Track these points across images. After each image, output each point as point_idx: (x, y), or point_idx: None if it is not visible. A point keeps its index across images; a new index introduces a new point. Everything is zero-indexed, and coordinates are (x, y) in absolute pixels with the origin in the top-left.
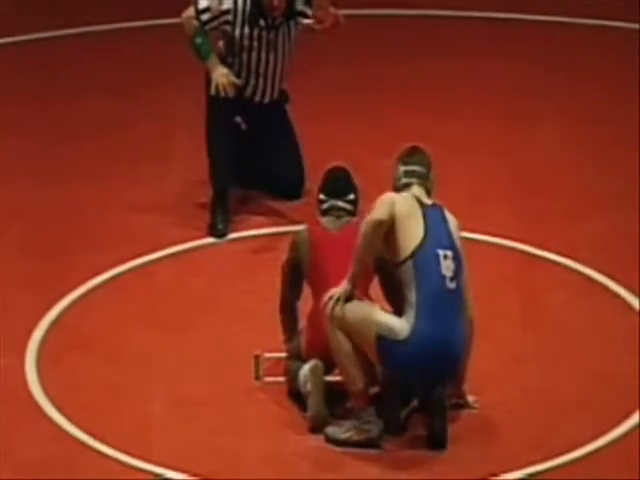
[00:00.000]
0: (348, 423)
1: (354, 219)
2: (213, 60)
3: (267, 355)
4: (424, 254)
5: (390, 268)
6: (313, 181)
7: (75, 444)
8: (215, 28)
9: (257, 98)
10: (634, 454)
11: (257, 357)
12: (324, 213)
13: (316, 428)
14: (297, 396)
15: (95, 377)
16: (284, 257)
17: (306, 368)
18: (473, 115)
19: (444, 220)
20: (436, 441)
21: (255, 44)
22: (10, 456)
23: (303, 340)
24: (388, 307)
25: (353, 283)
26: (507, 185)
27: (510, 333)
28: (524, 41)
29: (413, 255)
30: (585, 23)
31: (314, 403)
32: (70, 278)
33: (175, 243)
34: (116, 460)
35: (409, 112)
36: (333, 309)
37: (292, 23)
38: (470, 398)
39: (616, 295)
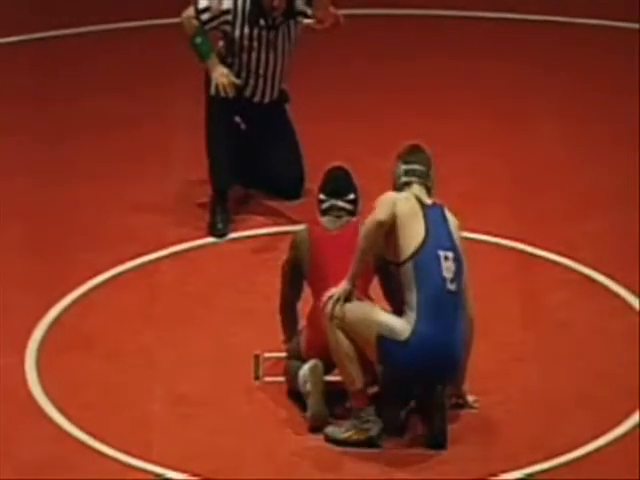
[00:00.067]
0: (347, 423)
1: (354, 219)
2: (213, 60)
3: (267, 355)
4: (425, 255)
5: (390, 268)
6: (313, 181)
7: (75, 444)
8: (215, 28)
9: (257, 98)
10: (634, 454)
11: (257, 357)
12: (324, 213)
13: (316, 428)
14: (297, 396)
15: (95, 377)
16: (284, 257)
17: (306, 368)
18: (473, 115)
19: (444, 220)
20: (436, 441)
21: (255, 44)
22: (10, 456)
23: (303, 340)
24: (387, 307)
25: (353, 283)
26: (507, 185)
27: (510, 333)
28: (524, 41)
29: (414, 256)
30: (585, 23)
31: (314, 403)
32: (70, 277)
33: (175, 243)
34: (116, 460)
35: (409, 112)
36: (333, 309)
37: (292, 23)
38: (470, 398)
39: (616, 295)
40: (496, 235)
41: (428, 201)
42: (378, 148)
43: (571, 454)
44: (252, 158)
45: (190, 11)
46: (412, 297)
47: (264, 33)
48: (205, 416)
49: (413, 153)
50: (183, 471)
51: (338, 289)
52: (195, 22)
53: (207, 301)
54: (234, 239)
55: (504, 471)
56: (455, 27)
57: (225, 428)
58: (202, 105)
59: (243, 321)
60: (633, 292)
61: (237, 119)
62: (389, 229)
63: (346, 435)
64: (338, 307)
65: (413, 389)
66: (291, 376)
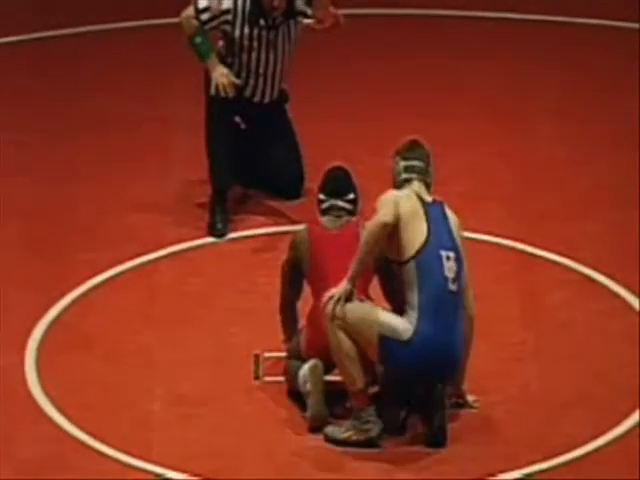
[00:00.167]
0: (348, 423)
1: (354, 218)
2: (213, 60)
3: (267, 355)
4: (427, 255)
5: (391, 267)
6: (313, 181)
7: (75, 444)
8: (215, 28)
9: (257, 98)
10: (634, 454)
11: (257, 357)
12: (324, 212)
13: (316, 428)
14: (297, 396)
15: (95, 376)
16: (284, 257)
17: (306, 368)
18: (473, 115)
19: (445, 217)
20: (436, 440)
21: (255, 44)
22: (9, 455)
23: (303, 340)
24: (387, 307)
25: (353, 283)
26: (507, 185)
27: (510, 333)
28: (524, 41)
29: (416, 255)
30: (585, 22)
31: (314, 403)
32: (70, 277)
33: (175, 243)
34: (116, 460)
35: (409, 112)
36: (334, 309)
37: (292, 23)
38: (470, 397)
39: (616, 295)
40: (496, 235)
41: (428, 198)
42: (378, 148)
43: (571, 454)
44: (252, 158)
45: (190, 11)
46: (414, 297)
47: (264, 33)
48: (205, 416)
49: (412, 149)
50: (183, 471)
51: (338, 289)
52: (195, 22)
53: (207, 301)
54: (234, 239)
55: (503, 471)
56: (455, 27)
57: (225, 428)
58: (202, 105)
59: (243, 321)
60: (633, 292)
61: (237, 119)
62: (392, 229)
63: (346, 435)
64: (339, 307)
65: (414, 388)
66: (291, 376)
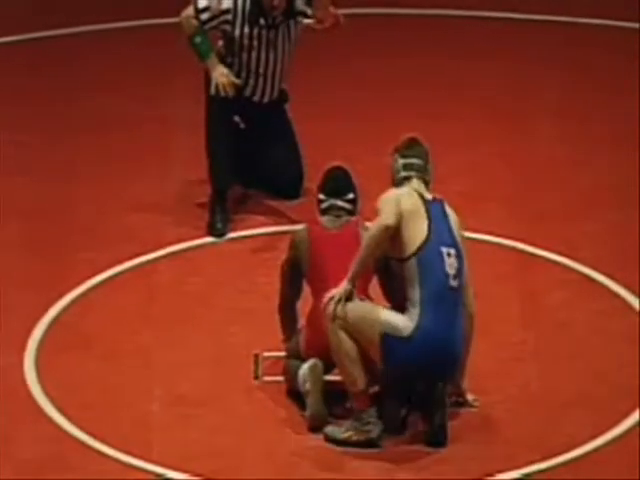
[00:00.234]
0: (348, 423)
1: (353, 218)
2: (212, 59)
3: (266, 354)
4: (428, 251)
5: (391, 267)
6: (312, 180)
7: (75, 444)
8: (215, 27)
9: (256, 98)
10: (634, 453)
11: (256, 356)
12: (323, 212)
13: (315, 427)
14: (296, 395)
15: (94, 376)
16: (283, 256)
17: (305, 367)
18: (473, 115)
19: (445, 215)
20: (436, 439)
21: (255, 43)
22: (9, 455)
23: (302, 339)
24: (387, 305)
25: (353, 283)
26: (507, 185)
27: (510, 332)
28: (524, 41)
29: (417, 252)
30: (585, 22)
31: (313, 402)
32: (69, 277)
33: (174, 242)
34: (116, 460)
35: (409, 112)
36: (334, 309)
37: (292, 23)
38: (470, 397)
39: (616, 295)
40: (496, 235)
41: (428, 196)
42: (378, 148)
43: (570, 453)
44: (252, 158)
45: (189, 10)
46: (415, 293)
47: (264, 32)
48: (204, 416)
49: (410, 147)
50: (184, 471)
51: (338, 290)
52: (194, 22)
53: (206, 301)
54: (233, 239)
55: (502, 471)
56: (455, 27)
57: (224, 428)
58: (202, 105)
59: (242, 321)
60: (633, 292)
61: (237, 119)
62: (394, 231)
63: (346, 435)
64: (339, 307)
65: (414, 387)
66: (290, 375)
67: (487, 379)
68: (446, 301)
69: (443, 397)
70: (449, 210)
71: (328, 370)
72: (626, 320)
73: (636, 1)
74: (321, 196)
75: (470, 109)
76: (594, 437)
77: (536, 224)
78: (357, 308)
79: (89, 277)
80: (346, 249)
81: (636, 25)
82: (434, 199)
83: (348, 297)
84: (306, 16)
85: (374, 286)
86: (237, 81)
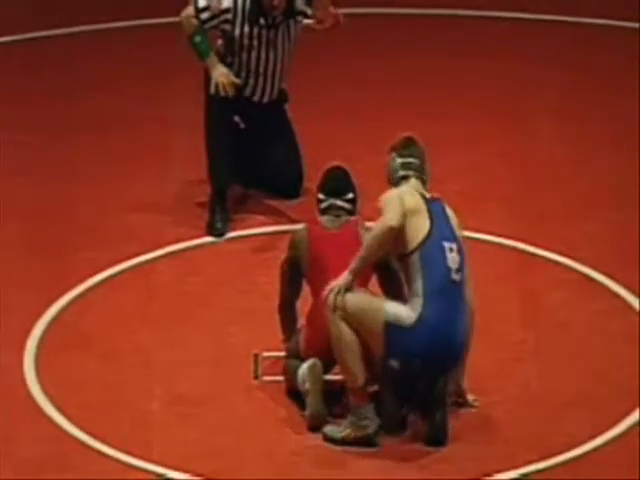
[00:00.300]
0: (345, 421)
1: (353, 218)
2: (212, 59)
3: (266, 354)
4: (431, 246)
5: (390, 265)
6: (312, 180)
7: (75, 443)
8: (215, 27)
9: (256, 97)
10: (633, 453)
11: (256, 356)
12: (323, 212)
13: (315, 427)
14: (296, 395)
15: (93, 376)
16: (283, 256)
17: (305, 367)
18: (473, 115)
19: (445, 213)
20: (436, 438)
21: (255, 43)
22: (9, 455)
23: (302, 339)
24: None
25: (354, 277)
26: (507, 184)
27: (510, 332)
28: (524, 40)
29: (420, 246)
30: (585, 22)
31: (313, 402)
32: (69, 276)
33: (174, 242)
34: (117, 460)
35: (409, 112)
36: (335, 300)
37: (292, 22)
38: (469, 397)
39: (616, 295)
40: (496, 235)
41: (428, 195)
42: (377, 147)
43: (570, 453)
44: (251, 157)
45: (189, 10)
46: (418, 285)
47: (264, 32)
48: (204, 415)
49: (407, 146)
50: (185, 471)
51: (339, 281)
52: (194, 21)
53: (206, 300)
54: (233, 238)
55: (501, 471)
56: (455, 26)
57: (224, 427)
58: (201, 105)
59: (242, 320)
60: (633, 292)
61: (236, 118)
62: (398, 232)
63: (344, 433)
64: (340, 298)
65: (416, 385)
66: (290, 375)
67: (487, 379)
68: (449, 293)
69: (443, 396)
70: (449, 210)
71: (328, 370)
72: (626, 320)
73: (636, 1)
74: (321, 196)
75: (470, 109)
76: (594, 437)
77: (536, 224)
78: (359, 298)
79: (89, 276)
80: (346, 249)
81: (636, 25)
82: (433, 198)
83: (348, 289)
84: (306, 16)
85: (373, 285)
86: (237, 81)
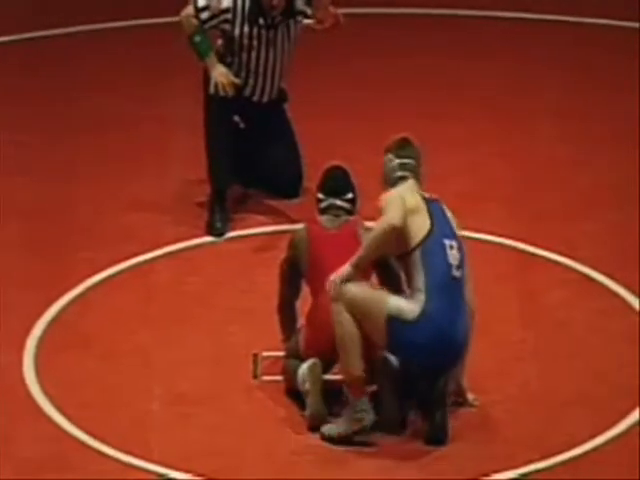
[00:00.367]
0: (341, 418)
1: (352, 218)
2: (212, 59)
3: (265, 354)
4: (432, 243)
5: (389, 264)
6: (312, 180)
7: (75, 443)
8: (214, 27)
9: (256, 97)
10: (633, 453)
11: (255, 356)
12: (322, 212)
13: (315, 426)
14: (295, 395)
15: (93, 375)
16: (282, 256)
17: (304, 367)
18: (473, 115)
19: (444, 213)
20: (436, 437)
21: (254, 43)
22: (9, 455)
23: (302, 339)
24: None
25: (355, 270)
26: (507, 184)
27: (509, 332)
28: (524, 40)
29: (421, 244)
30: (585, 22)
31: (312, 402)
32: (68, 276)
33: (173, 242)
34: (117, 460)
35: (409, 111)
36: (339, 288)
37: (292, 22)
38: (469, 396)
39: (615, 295)
40: (496, 235)
41: (426, 195)
42: (377, 147)
43: (570, 452)
44: (251, 157)
45: (189, 10)
46: (420, 281)
47: (264, 32)
48: (204, 415)
49: (405, 147)
50: (185, 471)
51: (342, 271)
52: (194, 21)
53: (205, 300)
54: (232, 238)
55: (500, 470)
56: (455, 26)
57: (224, 427)
58: (201, 104)
59: (242, 320)
60: (633, 292)
61: (236, 118)
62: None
63: (341, 430)
64: (344, 287)
65: (416, 384)
66: (290, 375)
67: (487, 379)
68: (450, 290)
69: (444, 396)
70: (447, 211)
71: (327, 370)
72: (626, 320)
73: (636, 1)
74: (320, 195)
75: (470, 109)
76: (593, 437)
77: (536, 224)
78: (362, 290)
79: (88, 276)
80: (345, 248)
81: (637, 25)
82: (432, 199)
83: (350, 280)
84: (306, 16)
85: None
86: (236, 81)
